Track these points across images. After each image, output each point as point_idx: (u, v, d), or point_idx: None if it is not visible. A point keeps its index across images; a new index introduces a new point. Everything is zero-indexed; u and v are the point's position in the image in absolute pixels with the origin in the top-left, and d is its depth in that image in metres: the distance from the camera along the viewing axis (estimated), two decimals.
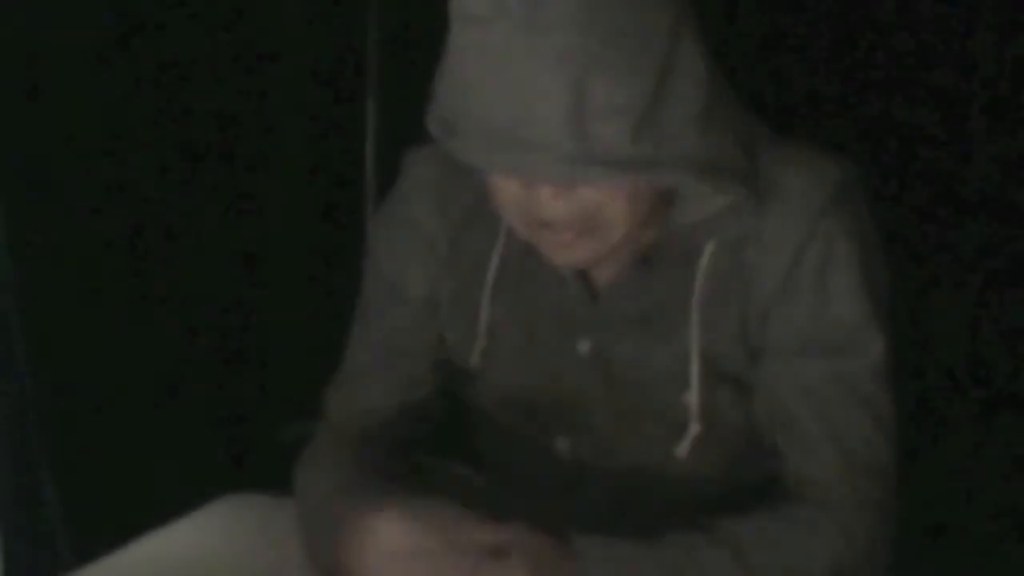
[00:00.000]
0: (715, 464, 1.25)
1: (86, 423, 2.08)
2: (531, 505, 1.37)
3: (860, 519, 1.17)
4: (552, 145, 1.03)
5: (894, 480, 1.21)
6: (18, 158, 1.95)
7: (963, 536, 1.91)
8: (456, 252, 1.31)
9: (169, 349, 2.22)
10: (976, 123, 2.01)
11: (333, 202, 2.44)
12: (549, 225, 1.12)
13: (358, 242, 2.24)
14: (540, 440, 1.30)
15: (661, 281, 1.22)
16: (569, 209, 1.10)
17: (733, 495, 1.28)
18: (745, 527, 1.14)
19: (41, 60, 1.94)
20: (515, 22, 1.01)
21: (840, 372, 1.19)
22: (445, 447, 1.44)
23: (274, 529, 1.41)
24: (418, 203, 1.32)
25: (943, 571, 1.43)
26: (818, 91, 2.05)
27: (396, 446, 1.34)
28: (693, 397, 1.21)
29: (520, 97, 1.02)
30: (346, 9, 2.34)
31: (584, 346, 1.26)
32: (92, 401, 2.09)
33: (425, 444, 1.40)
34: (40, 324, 2.01)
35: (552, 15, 1.01)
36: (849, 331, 1.19)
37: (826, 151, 1.23)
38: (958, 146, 2.03)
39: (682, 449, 1.22)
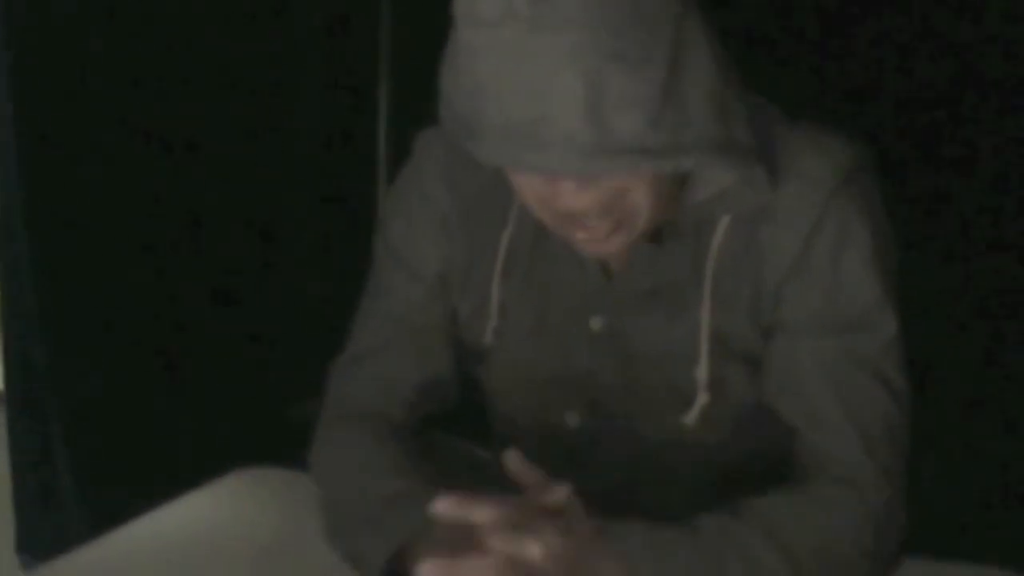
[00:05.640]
0: (723, 436, 1.26)
1: (100, 400, 2.10)
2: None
3: (881, 493, 1.18)
4: (572, 141, 1.04)
5: (907, 453, 1.22)
6: (24, 138, 1.97)
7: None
8: (468, 229, 1.32)
9: (181, 326, 2.24)
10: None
11: (344, 182, 2.45)
12: (577, 218, 1.13)
13: (367, 222, 2.26)
14: (551, 415, 1.31)
15: (673, 256, 1.24)
16: (593, 199, 1.11)
17: (741, 466, 1.30)
18: (774, 508, 1.14)
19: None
20: (524, 23, 1.02)
21: (855, 349, 1.20)
22: (459, 426, 1.45)
23: (285, 501, 1.44)
24: (430, 181, 1.34)
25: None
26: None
27: (409, 422, 1.36)
28: (702, 372, 1.23)
29: (537, 96, 1.03)
30: None
31: (597, 323, 1.27)
32: (105, 378, 2.10)
33: (439, 423, 1.41)
34: (56, 303, 2.03)
35: (560, 13, 1.02)
36: (863, 309, 1.20)
37: (838, 134, 1.24)
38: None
39: (689, 421, 1.24)
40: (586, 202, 1.11)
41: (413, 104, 1.24)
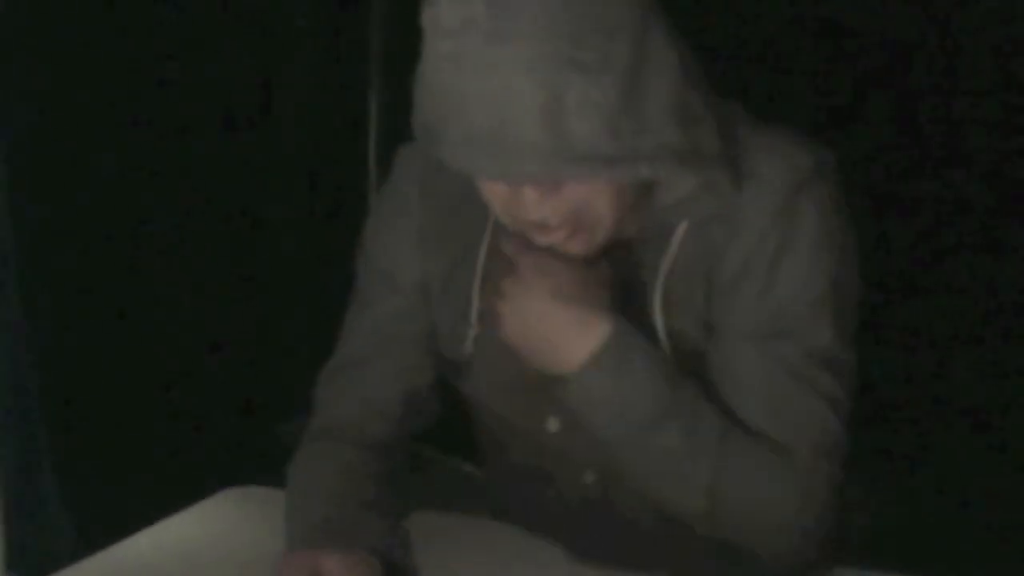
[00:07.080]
0: None
1: (89, 419, 2.09)
2: (529, 494, 1.39)
3: (813, 485, 1.20)
4: (532, 147, 1.06)
5: (843, 457, 1.23)
6: (20, 149, 1.96)
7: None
8: (445, 241, 1.33)
9: (170, 345, 2.23)
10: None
11: (333, 198, 2.45)
12: (539, 225, 1.15)
13: (357, 239, 2.26)
14: (531, 421, 1.33)
15: (635, 260, 1.25)
16: (555, 208, 1.13)
17: None
18: (737, 434, 1.19)
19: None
20: (484, 33, 1.04)
21: (782, 356, 1.20)
22: (445, 440, 1.45)
23: (274, 520, 1.43)
24: (408, 194, 1.35)
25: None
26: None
27: (387, 437, 1.36)
28: None
29: (496, 104, 1.05)
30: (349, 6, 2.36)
31: None
32: (94, 397, 2.10)
33: (425, 436, 1.41)
34: (45, 321, 2.02)
35: (519, 23, 1.04)
36: (791, 316, 1.20)
37: (801, 137, 1.24)
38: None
39: None
40: (548, 211, 1.13)
41: (403, 117, 1.24)
